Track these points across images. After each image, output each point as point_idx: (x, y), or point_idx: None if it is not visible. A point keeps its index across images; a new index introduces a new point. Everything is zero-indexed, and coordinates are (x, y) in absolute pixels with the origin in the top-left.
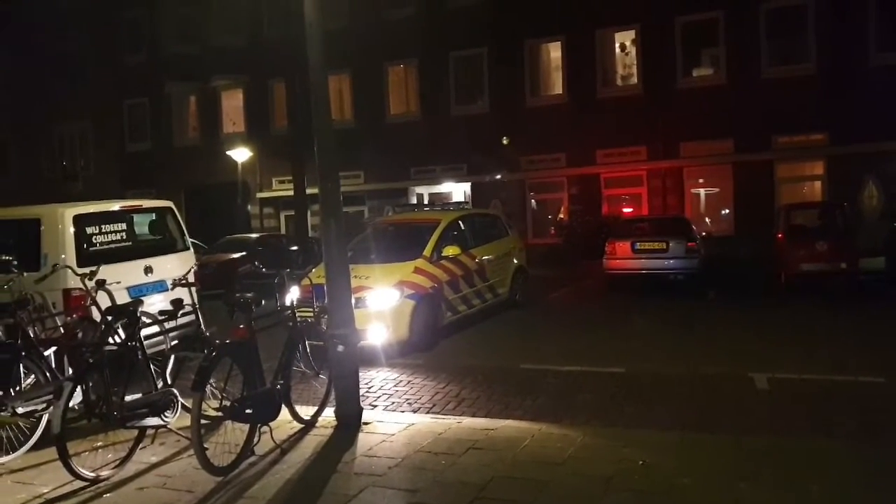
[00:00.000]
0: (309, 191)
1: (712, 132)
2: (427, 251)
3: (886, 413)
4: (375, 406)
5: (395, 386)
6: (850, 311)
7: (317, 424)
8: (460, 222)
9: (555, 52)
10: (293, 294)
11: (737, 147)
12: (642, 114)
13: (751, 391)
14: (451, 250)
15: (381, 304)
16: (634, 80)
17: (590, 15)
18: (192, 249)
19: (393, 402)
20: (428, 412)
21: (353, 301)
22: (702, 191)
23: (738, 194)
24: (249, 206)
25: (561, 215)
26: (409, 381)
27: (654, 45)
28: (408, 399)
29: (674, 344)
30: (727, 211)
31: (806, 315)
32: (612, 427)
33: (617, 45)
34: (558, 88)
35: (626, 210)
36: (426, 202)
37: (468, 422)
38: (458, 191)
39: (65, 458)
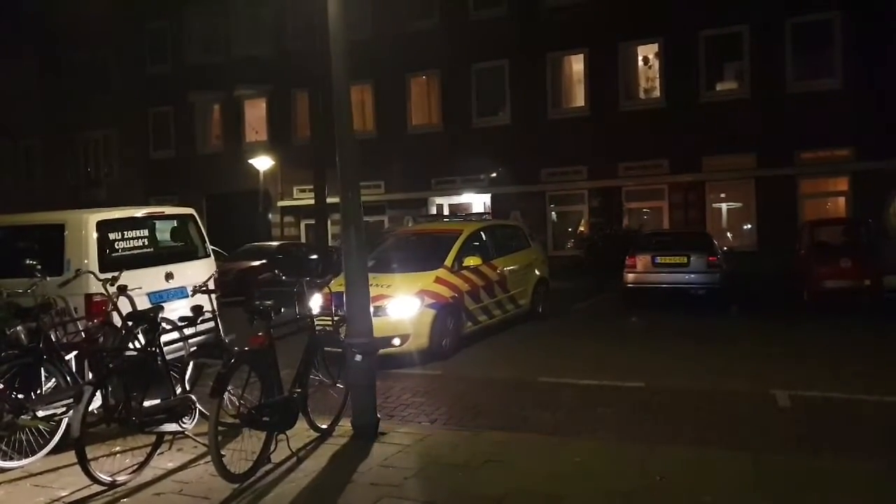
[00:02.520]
0: (329, 200)
1: (735, 146)
2: (448, 261)
3: None
4: (392, 416)
5: (412, 396)
6: (873, 330)
7: (333, 433)
8: (482, 233)
9: (577, 64)
10: (315, 302)
11: (760, 162)
12: (665, 127)
13: (772, 409)
14: (472, 261)
15: (402, 312)
16: (657, 93)
17: (613, 28)
18: (212, 256)
19: (410, 413)
20: (445, 423)
21: (373, 309)
22: (724, 205)
23: (760, 209)
24: (270, 215)
25: (581, 228)
26: (426, 392)
27: (678, 59)
28: (425, 410)
29: (694, 359)
30: (749, 226)
31: (829, 332)
32: (631, 442)
33: (640, 58)
34: (580, 101)
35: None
36: (445, 213)
37: (485, 434)
38: (478, 202)
39: (83, 461)
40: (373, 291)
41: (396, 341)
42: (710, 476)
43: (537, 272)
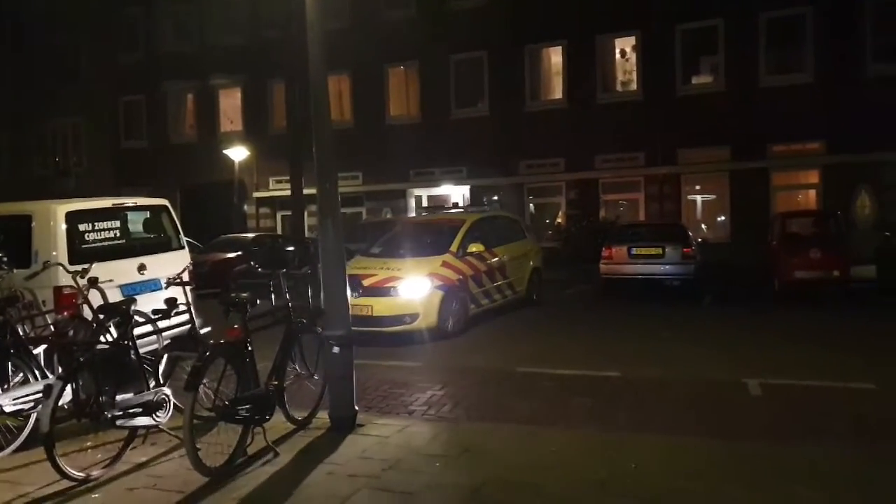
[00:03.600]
0: (306, 191)
1: (710, 139)
2: (454, 247)
3: (877, 419)
4: (371, 408)
5: (390, 388)
6: (841, 319)
7: (311, 426)
8: (483, 223)
9: (555, 56)
10: None
11: (734, 155)
12: (641, 120)
13: (744, 397)
14: (475, 247)
15: (413, 293)
16: (634, 86)
17: (591, 20)
18: (186, 248)
19: (388, 404)
20: (423, 414)
21: (385, 290)
22: (699, 197)
23: (734, 201)
24: (246, 206)
25: (559, 220)
26: (404, 383)
27: (654, 52)
28: (403, 401)
29: (668, 349)
30: (723, 218)
31: (798, 322)
32: (607, 431)
33: (617, 50)
34: (558, 93)
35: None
36: (424, 204)
37: (463, 424)
38: (456, 194)
39: (53, 457)
40: (384, 274)
41: (407, 320)
42: (684, 463)
43: (532, 262)
